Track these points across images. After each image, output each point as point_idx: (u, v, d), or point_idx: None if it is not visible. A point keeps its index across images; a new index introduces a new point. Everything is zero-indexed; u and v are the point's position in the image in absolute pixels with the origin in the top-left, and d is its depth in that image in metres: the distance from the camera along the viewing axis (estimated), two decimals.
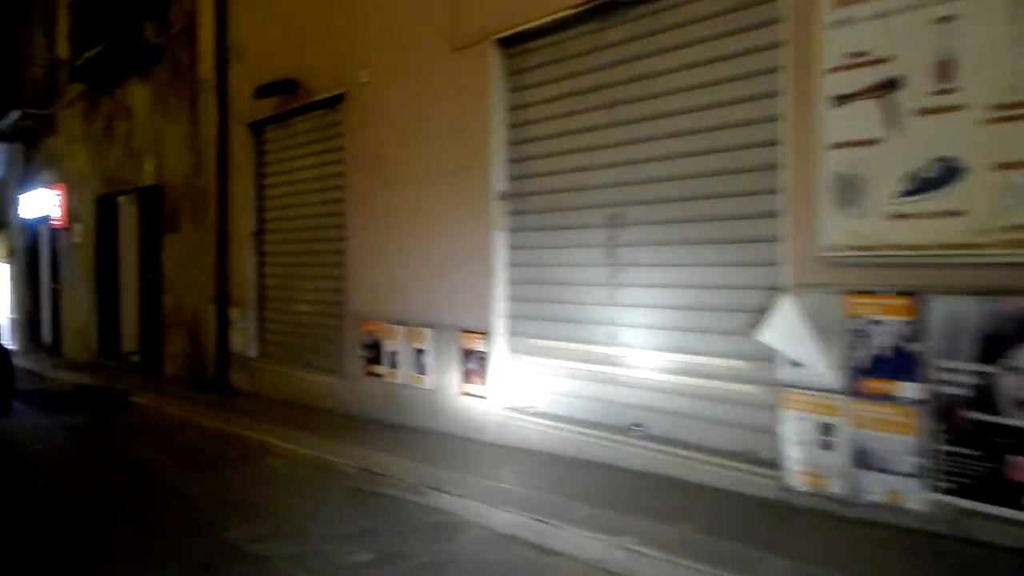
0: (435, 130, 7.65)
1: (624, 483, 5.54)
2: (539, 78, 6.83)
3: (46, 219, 17.98)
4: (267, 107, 10.16)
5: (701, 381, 5.60)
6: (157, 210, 13.14)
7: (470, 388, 7.21)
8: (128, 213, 14.67)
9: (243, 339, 10.91)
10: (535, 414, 6.73)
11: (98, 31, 13.38)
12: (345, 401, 8.86)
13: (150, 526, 5.40)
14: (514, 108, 7.04)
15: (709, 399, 5.55)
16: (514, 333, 7.01)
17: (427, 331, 7.72)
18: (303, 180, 9.89)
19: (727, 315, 5.42)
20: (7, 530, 5.39)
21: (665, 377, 5.84)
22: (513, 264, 7.02)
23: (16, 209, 20.48)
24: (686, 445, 5.59)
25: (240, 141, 10.93)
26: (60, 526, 5.50)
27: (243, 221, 10.88)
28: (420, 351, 7.81)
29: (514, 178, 7.03)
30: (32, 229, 19.32)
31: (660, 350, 5.87)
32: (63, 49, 16.21)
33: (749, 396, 5.28)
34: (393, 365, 8.16)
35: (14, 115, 17.31)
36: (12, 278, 21.35)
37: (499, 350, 7.00)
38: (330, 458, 6.76)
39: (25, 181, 19.47)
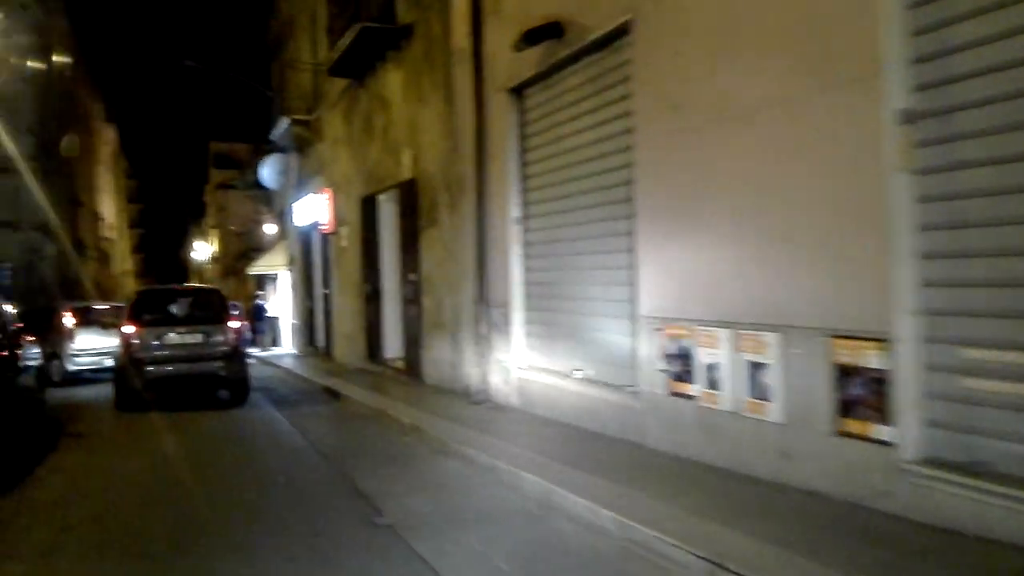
0: (772, 33, 5.12)
1: None
2: None
3: (316, 225, 17.86)
4: (529, 65, 8.22)
5: None
6: (414, 205, 11.85)
7: (854, 426, 4.56)
8: (388, 212, 13.66)
9: (506, 345, 9.08)
10: (985, 476, 3.94)
11: (352, 17, 12.45)
12: (637, 427, 6.58)
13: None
14: None
15: None
16: (935, 339, 4.25)
17: (770, 336, 5.18)
18: (575, 148, 7.79)
19: None
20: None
21: None
22: (929, 226, 4.26)
23: (291, 218, 20.89)
24: None
25: (499, 112, 9.13)
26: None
27: (504, 207, 9.05)
28: (758, 365, 5.30)
29: (924, 87, 4.28)
30: (305, 236, 19.45)
31: None
32: (324, 50, 15.80)
33: None
34: (712, 384, 5.74)
35: (284, 123, 17.31)
36: (292, 285, 21.90)
37: (909, 367, 4.28)
38: (653, 535, 4.44)
39: (298, 190, 19.68)
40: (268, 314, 23.53)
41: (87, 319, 15.50)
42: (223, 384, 11.21)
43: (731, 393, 5.56)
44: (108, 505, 5.88)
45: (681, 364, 6.05)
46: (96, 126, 42.55)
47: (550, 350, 8.41)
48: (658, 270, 6.31)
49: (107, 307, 16.82)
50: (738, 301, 5.50)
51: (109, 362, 14.98)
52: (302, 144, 18.30)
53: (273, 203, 26.60)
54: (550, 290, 8.43)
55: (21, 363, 10.02)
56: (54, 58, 29.82)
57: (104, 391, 14.18)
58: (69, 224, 32.77)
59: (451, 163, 10.53)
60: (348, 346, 15.95)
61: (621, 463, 6.06)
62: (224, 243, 47.60)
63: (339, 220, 16.17)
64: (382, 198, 13.72)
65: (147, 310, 11.10)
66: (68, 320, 15.10)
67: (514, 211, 8.91)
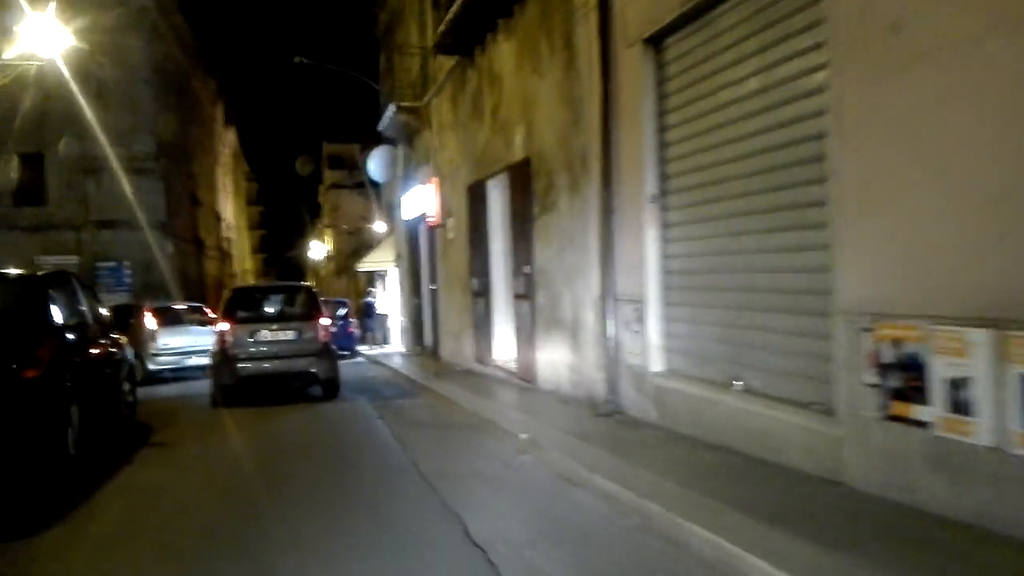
0: None
1: None
2: None
3: (422, 218, 16.82)
4: (671, 5, 6.65)
5: None
6: (528, 189, 10.46)
7: None
8: (498, 199, 12.35)
9: (640, 346, 7.54)
10: None
11: None
12: (831, 459, 4.91)
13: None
14: None
15: None
16: None
17: None
18: (733, 103, 6.17)
19: None
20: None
21: None
22: None
23: (398, 212, 19.99)
24: None
25: (630, 71, 7.60)
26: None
27: (637, 183, 7.51)
28: None
29: None
30: (412, 231, 18.48)
31: None
32: (432, 35, 14.67)
33: None
34: (959, 407, 4.03)
35: (390, 111, 16.33)
36: (399, 282, 21.05)
37: None
38: None
39: (405, 182, 18.74)
40: (378, 311, 22.82)
41: (167, 318, 15.25)
42: (314, 381, 11.02)
43: (993, 421, 3.84)
44: (163, 547, 4.73)
45: (904, 377, 4.35)
46: (216, 128, 43.60)
47: (699, 354, 6.81)
48: (870, 248, 4.61)
49: (186, 306, 16.62)
50: (1006, 288, 3.78)
51: (189, 361, 14.79)
52: (409, 133, 17.29)
53: (381, 199, 25.97)
54: (698, 280, 6.83)
55: (124, 364, 9.34)
56: (172, 58, 30.34)
57: (189, 390, 13.70)
58: (189, 223, 33.42)
59: (571, 137, 9.08)
60: (455, 345, 14.77)
61: (817, 511, 4.42)
62: (337, 242, 47.99)
63: (446, 211, 15.03)
64: (491, 184, 12.41)
65: (241, 308, 11.01)
66: (149, 320, 14.81)
67: (649, 187, 7.35)
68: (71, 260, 25.24)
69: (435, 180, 15.33)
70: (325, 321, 11.04)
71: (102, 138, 25.33)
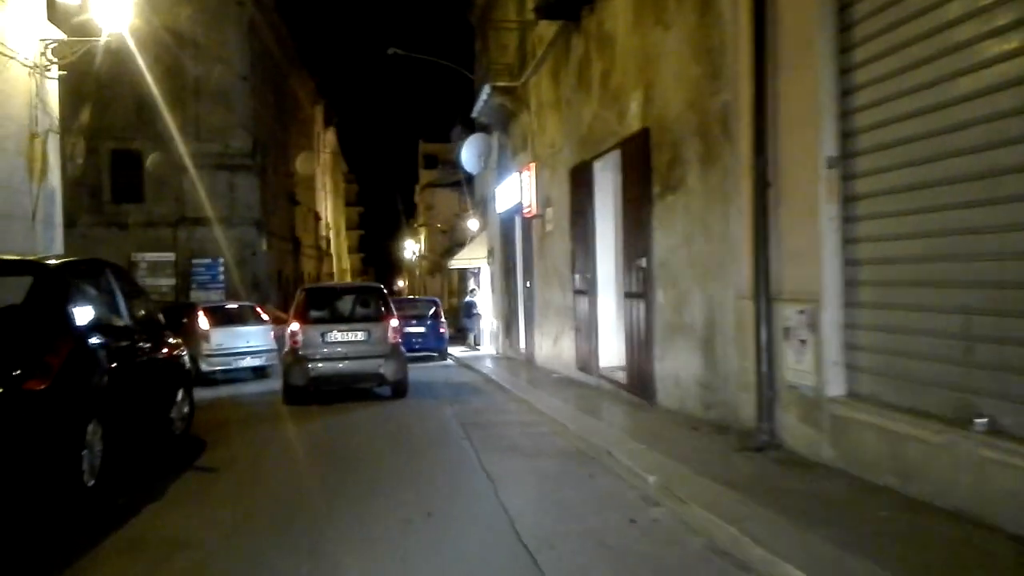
0: None
1: None
2: None
3: (517, 210, 15.18)
4: None
5: None
6: (645, 165, 8.60)
7: None
8: (606, 182, 10.54)
9: (810, 361, 5.58)
10: None
11: None
12: None
13: None
14: None
15: None
16: None
17: None
18: (970, 15, 4.18)
19: None
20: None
21: None
22: None
23: (492, 205, 18.42)
24: None
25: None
26: None
27: (806, 145, 5.56)
28: None
29: None
30: (506, 224, 16.86)
31: None
32: (531, 9, 13.02)
33: None
34: None
35: (485, 92, 14.74)
36: (490, 280, 19.49)
37: None
38: None
39: (500, 173, 17.15)
40: (476, 311, 21.33)
41: (221, 318, 14.39)
42: (383, 382, 10.70)
43: None
44: None
45: None
46: (315, 129, 43.44)
47: (906, 375, 4.80)
48: None
49: (238, 306, 15.76)
50: None
51: (242, 363, 14.05)
52: (504, 117, 15.67)
53: (475, 193, 24.54)
54: (904, 272, 4.83)
55: (179, 371, 8.09)
56: (269, 55, 29.88)
57: (246, 392, 12.57)
58: (286, 221, 33.01)
59: (706, 97, 7.18)
60: (553, 350, 13.03)
61: None
62: (430, 241, 47.15)
63: (544, 200, 13.32)
64: (598, 165, 10.61)
65: (313, 308, 10.83)
66: (202, 319, 13.96)
67: (827, 148, 5.39)
68: (167, 257, 24.99)
69: (532, 166, 13.64)
70: (394, 322, 10.75)
71: (198, 134, 24.97)
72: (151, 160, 24.41)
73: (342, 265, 56.44)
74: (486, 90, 14.77)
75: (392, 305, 11.09)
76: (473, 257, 20.32)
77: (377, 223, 77.53)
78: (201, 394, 11.50)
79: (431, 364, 17.70)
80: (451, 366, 17.27)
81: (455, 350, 19.71)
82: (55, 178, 10.87)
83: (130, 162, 24.62)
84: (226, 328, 14.25)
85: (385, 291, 11.60)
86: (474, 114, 16.65)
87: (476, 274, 22.63)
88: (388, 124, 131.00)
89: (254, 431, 8.85)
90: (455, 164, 41.02)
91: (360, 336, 10.44)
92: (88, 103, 24.12)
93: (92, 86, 24.47)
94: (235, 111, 25.29)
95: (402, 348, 10.97)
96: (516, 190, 14.84)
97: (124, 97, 24.48)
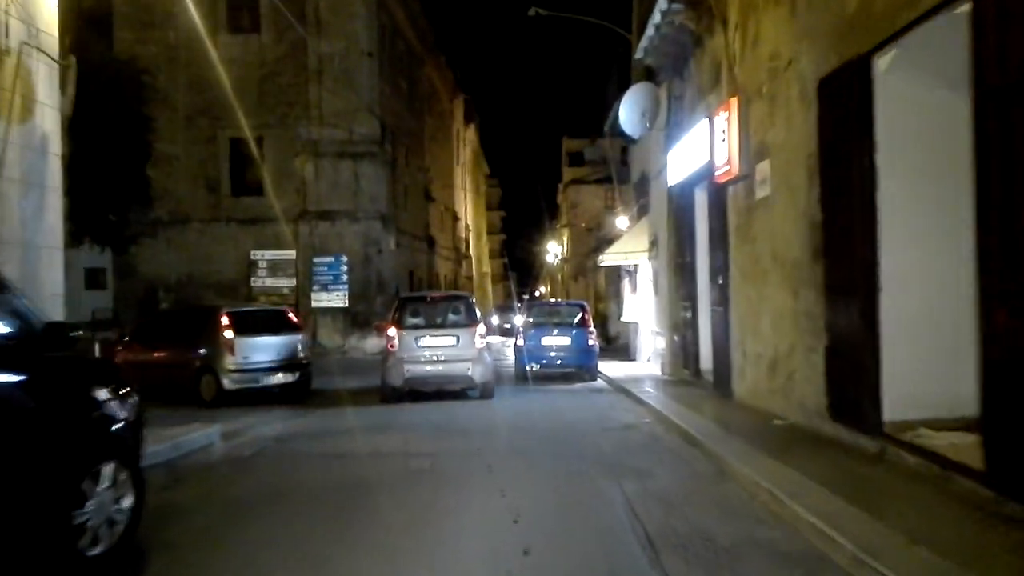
0: None
1: None
2: None
3: (701, 178, 10.48)
4: None
5: None
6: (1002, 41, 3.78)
7: None
8: (898, 96, 5.71)
9: None
10: None
11: None
12: None
13: None
14: None
15: None
16: None
17: None
18: None
19: None
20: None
21: None
22: None
23: (658, 180, 13.74)
24: None
25: None
26: None
27: None
28: None
29: None
30: (680, 202, 12.14)
31: None
32: None
33: None
34: None
35: (659, 8, 10.12)
36: (653, 280, 14.78)
37: None
38: None
39: (671, 135, 12.48)
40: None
41: (248, 325, 11.06)
42: (470, 385, 10.99)
43: None
44: None
45: None
46: (454, 125, 40.29)
47: None
48: None
49: (268, 310, 12.68)
50: None
51: (272, 379, 11.05)
52: (683, 49, 11.00)
53: (629, 174, 19.88)
54: None
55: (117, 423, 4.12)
56: (401, 35, 26.61)
57: (266, 427, 8.66)
58: (419, 218, 29.74)
59: None
60: (770, 381, 8.22)
61: None
62: (573, 242, 42.80)
63: (753, 153, 8.56)
64: (883, 61, 5.77)
65: (408, 315, 11.14)
66: (226, 327, 10.66)
67: None
68: (287, 255, 22.10)
69: (732, 103, 8.89)
70: (481, 329, 11.14)
71: (321, 119, 21.94)
72: (299, 164, 21.68)
73: (482, 269, 53.25)
74: (661, 5, 10.14)
75: (479, 313, 11.49)
76: (630, 251, 15.75)
77: (519, 228, 74.09)
78: (229, 422, 7.74)
79: (576, 387, 13.25)
80: (604, 390, 12.72)
81: (606, 366, 15.15)
82: (48, 121, 7.38)
83: (250, 151, 21.95)
84: (255, 337, 10.96)
85: (473, 299, 11.96)
86: (638, 54, 12.12)
87: (631, 273, 17.96)
88: (530, 124, 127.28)
89: (268, 531, 4.73)
90: (602, 160, 36.56)
91: (451, 341, 10.80)
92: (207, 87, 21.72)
93: (210, 70, 22.10)
94: (360, 93, 22.03)
95: (488, 353, 11.24)
96: (699, 149, 10.16)
97: (245, 80, 21.88)
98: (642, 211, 16.60)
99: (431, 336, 10.78)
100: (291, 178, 21.97)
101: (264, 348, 11.05)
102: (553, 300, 35.74)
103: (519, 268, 71.45)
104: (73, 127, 14.92)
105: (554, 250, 48.70)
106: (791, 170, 7.50)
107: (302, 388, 11.64)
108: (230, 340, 10.60)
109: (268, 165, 21.90)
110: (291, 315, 12.06)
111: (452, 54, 37.70)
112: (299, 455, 7.09)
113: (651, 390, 11.29)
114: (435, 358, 10.67)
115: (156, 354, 11.21)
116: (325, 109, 21.86)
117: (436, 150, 34.16)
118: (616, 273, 21.95)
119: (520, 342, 14.40)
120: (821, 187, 6.74)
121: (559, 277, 48.54)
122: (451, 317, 11.25)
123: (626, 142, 19.56)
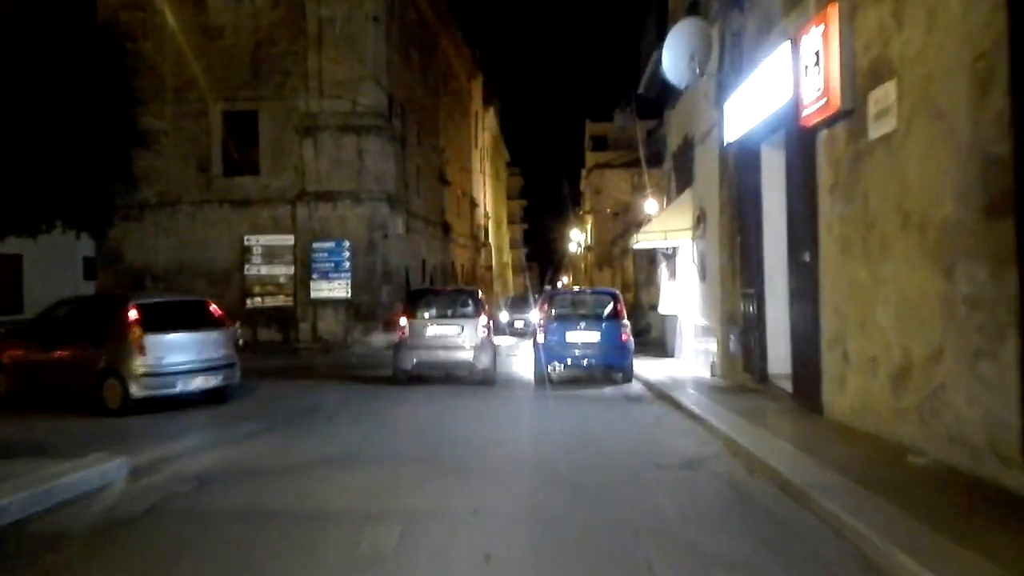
0: None
1: None
2: None
3: (776, 125, 7.96)
4: None
5: None
6: None
7: None
8: None
9: None
10: None
11: None
12: None
13: None
14: None
15: None
16: None
17: None
18: None
19: None
20: None
21: None
22: None
23: (708, 142, 11.20)
24: None
25: None
26: None
27: None
28: None
29: None
30: (743, 159, 9.61)
31: None
32: None
33: None
34: None
35: None
36: (698, 263, 12.24)
37: None
38: None
39: (726, 81, 9.95)
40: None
41: (162, 319, 8.88)
42: (473, 371, 11.48)
43: None
44: None
45: None
46: (472, 105, 37.80)
47: None
48: None
49: (184, 300, 10.22)
50: None
51: (191, 384, 8.91)
52: None
53: (664, 144, 17.28)
54: None
55: None
56: (411, 2, 24.14)
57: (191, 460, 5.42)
58: (433, 202, 27.34)
59: None
60: (895, 395, 5.70)
61: None
62: (597, 229, 40.18)
63: (866, 74, 6.03)
64: None
65: (418, 306, 11.87)
66: (134, 322, 8.53)
67: None
68: (285, 240, 19.81)
69: (833, 10, 6.35)
70: (484, 319, 11.58)
71: (321, 89, 19.59)
72: (267, 123, 19.41)
73: (503, 259, 50.81)
74: None
75: (483, 305, 12.07)
76: (671, 229, 13.19)
77: (541, 218, 71.30)
78: (145, 449, 5.43)
79: (606, 392, 10.79)
80: (642, 398, 10.20)
81: (640, 365, 12.66)
82: None
83: (244, 126, 19.68)
84: (171, 334, 8.83)
85: (479, 293, 12.68)
86: None
87: (669, 257, 15.40)
88: (552, 109, 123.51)
89: None
90: (628, 143, 33.87)
91: (456, 330, 11.47)
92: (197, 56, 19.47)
93: (200, 37, 19.84)
94: (365, 61, 19.62)
95: (491, 341, 11.73)
96: (770, 91, 7.64)
97: (238, 48, 19.61)
98: (682, 186, 14.04)
99: (438, 325, 11.53)
100: (288, 155, 19.66)
101: (182, 347, 8.81)
102: (579, 288, 32.54)
103: (541, 258, 68.83)
104: (48, 99, 12.67)
105: (577, 238, 46.13)
106: (938, 87, 4.96)
107: (224, 393, 9.43)
108: (139, 337, 8.33)
109: (263, 141, 19.63)
110: (213, 307, 9.69)
111: (470, 33, 35.12)
112: (205, 517, 4.65)
113: (705, 400, 8.79)
114: (441, 345, 11.41)
115: (53, 353, 8.99)
116: (326, 79, 19.49)
117: (452, 131, 31.74)
118: (648, 258, 19.39)
119: (540, 339, 11.94)
120: (1012, 100, 4.21)
121: (582, 266, 45.97)
122: (458, 309, 11.92)
123: (654, 119, 16.95)
